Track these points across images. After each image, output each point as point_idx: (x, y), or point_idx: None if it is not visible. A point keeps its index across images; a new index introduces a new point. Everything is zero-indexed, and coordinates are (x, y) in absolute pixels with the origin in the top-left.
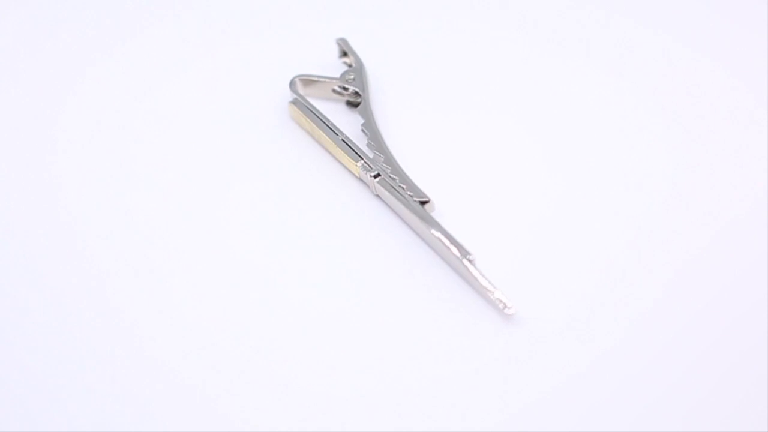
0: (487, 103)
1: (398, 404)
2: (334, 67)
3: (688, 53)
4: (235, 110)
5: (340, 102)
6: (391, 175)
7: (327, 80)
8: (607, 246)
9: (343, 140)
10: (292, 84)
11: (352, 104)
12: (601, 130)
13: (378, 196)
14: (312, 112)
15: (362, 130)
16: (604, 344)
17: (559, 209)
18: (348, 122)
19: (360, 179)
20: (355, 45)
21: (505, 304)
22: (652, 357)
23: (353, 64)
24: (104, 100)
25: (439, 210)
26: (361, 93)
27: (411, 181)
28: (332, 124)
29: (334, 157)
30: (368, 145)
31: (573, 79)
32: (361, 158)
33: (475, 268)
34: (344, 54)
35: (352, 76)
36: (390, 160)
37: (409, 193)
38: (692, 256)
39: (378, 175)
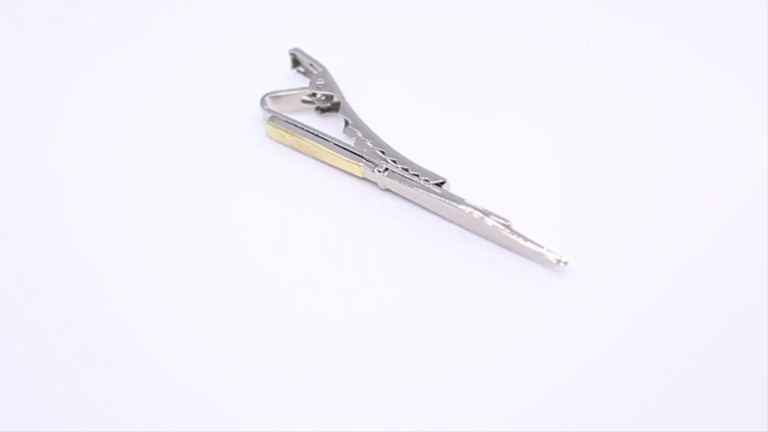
0: (454, 85)
1: (470, 370)
2: (285, 80)
3: (688, 51)
4: (209, 141)
5: (309, 111)
6: (399, 166)
7: (296, 92)
8: (623, 202)
9: (336, 144)
10: (263, 103)
11: (323, 110)
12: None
13: (387, 189)
14: (294, 125)
15: (350, 130)
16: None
17: (557, 177)
18: (326, 127)
19: (364, 179)
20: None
21: (558, 258)
22: (699, 308)
23: (314, 71)
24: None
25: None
26: (334, 96)
27: (421, 166)
28: (319, 132)
29: (329, 164)
30: (358, 142)
31: (547, 63)
32: (363, 157)
33: (517, 232)
34: (296, 64)
35: (321, 81)
36: (392, 152)
37: (424, 178)
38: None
39: (386, 169)
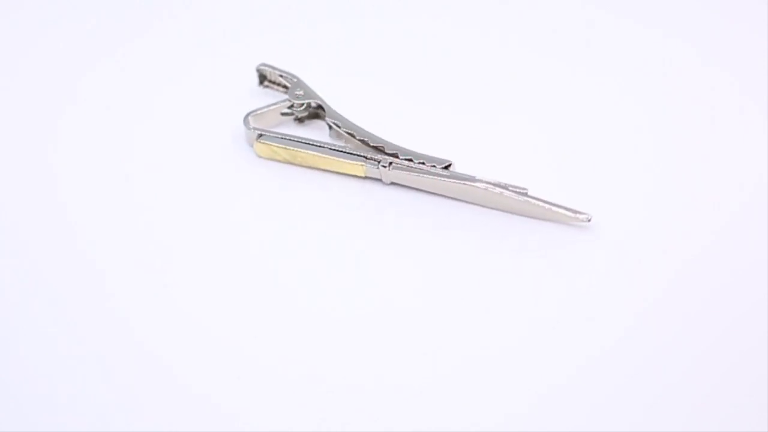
0: (454, 85)
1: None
2: (245, 98)
3: (688, 51)
4: (209, 141)
5: (288, 123)
6: (402, 157)
7: (276, 105)
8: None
9: (333, 149)
10: (246, 123)
11: (301, 119)
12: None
13: (393, 183)
14: (288, 139)
15: (336, 133)
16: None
17: (557, 176)
18: (311, 135)
19: (367, 177)
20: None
21: (584, 215)
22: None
23: (287, 82)
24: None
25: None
26: (316, 102)
27: (424, 154)
28: (314, 140)
29: (328, 170)
30: (348, 142)
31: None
32: (364, 156)
33: (535, 197)
34: (263, 79)
35: (300, 91)
36: (391, 146)
37: (430, 164)
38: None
39: (390, 163)
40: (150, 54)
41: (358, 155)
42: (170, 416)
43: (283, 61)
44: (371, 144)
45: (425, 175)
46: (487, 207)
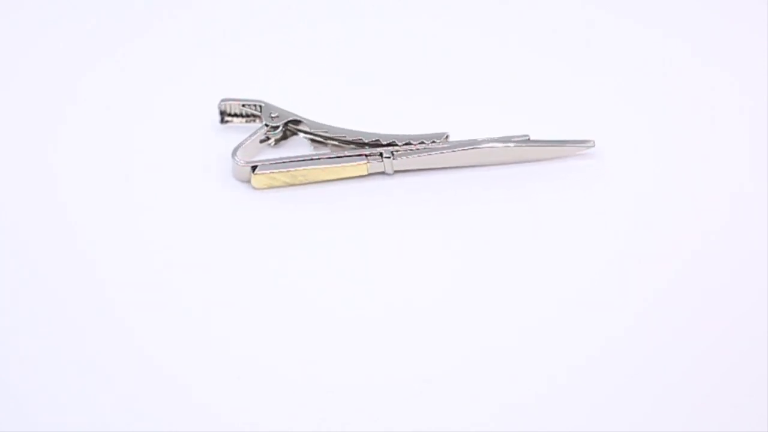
0: (454, 85)
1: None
2: (211, 137)
3: (688, 51)
4: (210, 141)
5: (265, 149)
6: (400, 143)
7: (256, 134)
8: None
9: (330, 158)
10: (237, 159)
11: (277, 141)
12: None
13: (396, 171)
14: (285, 162)
15: (326, 142)
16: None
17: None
18: (296, 153)
19: (370, 174)
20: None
21: (588, 142)
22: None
23: (254, 110)
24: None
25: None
26: (293, 118)
27: (420, 134)
28: (307, 156)
29: (330, 179)
30: (333, 149)
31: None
32: (363, 155)
33: (539, 140)
34: (224, 115)
35: (275, 113)
36: (386, 136)
37: (430, 140)
38: None
39: (392, 153)
40: (150, 55)
41: (358, 155)
42: (170, 416)
43: (277, 64)
44: (366, 141)
45: (430, 154)
46: (494, 164)
